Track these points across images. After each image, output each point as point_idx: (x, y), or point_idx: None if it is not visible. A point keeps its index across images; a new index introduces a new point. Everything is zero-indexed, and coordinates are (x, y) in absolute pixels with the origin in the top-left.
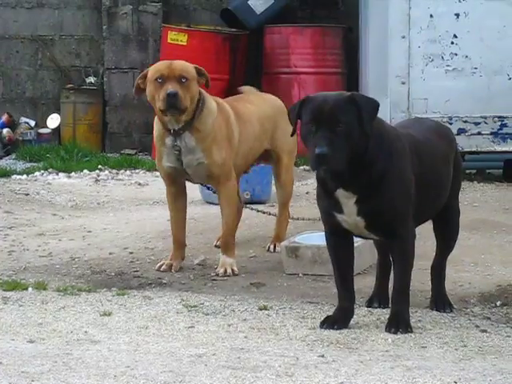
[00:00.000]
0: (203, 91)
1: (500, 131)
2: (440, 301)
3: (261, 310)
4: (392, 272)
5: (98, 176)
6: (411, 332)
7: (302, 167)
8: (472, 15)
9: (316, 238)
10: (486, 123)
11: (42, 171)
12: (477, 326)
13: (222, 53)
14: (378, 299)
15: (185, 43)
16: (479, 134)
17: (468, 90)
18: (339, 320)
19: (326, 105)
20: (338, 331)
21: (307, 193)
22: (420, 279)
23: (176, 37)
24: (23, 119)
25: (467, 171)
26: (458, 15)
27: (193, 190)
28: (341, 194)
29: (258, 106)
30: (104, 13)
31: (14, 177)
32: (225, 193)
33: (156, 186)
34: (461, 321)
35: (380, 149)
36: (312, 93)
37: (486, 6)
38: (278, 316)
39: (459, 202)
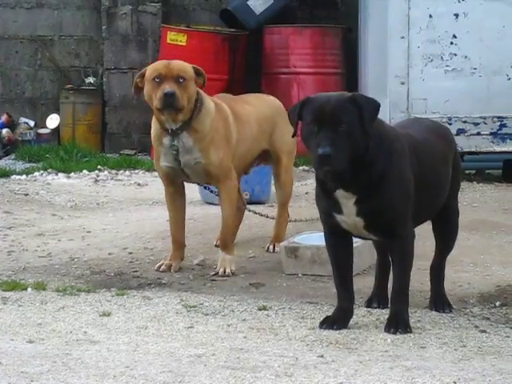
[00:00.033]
0: (201, 91)
1: (499, 131)
2: (439, 301)
3: (260, 310)
4: (391, 272)
5: (98, 176)
6: (410, 332)
7: (301, 167)
8: (471, 15)
9: (315, 238)
10: (485, 123)
11: (42, 171)
12: (476, 327)
13: (221, 53)
14: (377, 299)
15: (184, 43)
16: (478, 134)
17: (467, 90)
18: (338, 320)
19: (328, 105)
20: (338, 331)
21: (306, 193)
22: (419, 279)
23: (175, 37)
24: (22, 119)
25: (466, 171)
26: (457, 15)
27: (192, 191)
28: (340, 194)
29: (256, 106)
30: (103, 13)
31: (13, 177)
32: (225, 191)
33: (155, 186)
34: (460, 321)
35: (380, 149)
36: (311, 93)
37: (485, 6)
38: (278, 316)
39: (458, 203)
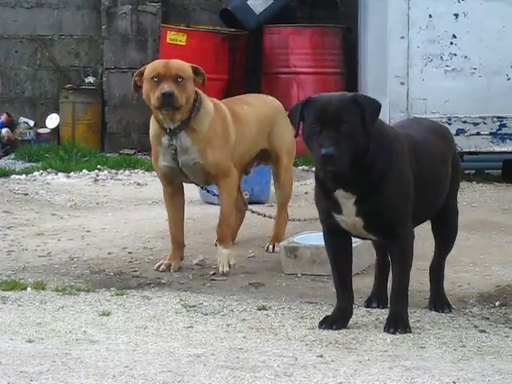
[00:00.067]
0: (200, 92)
1: (499, 131)
2: (439, 301)
3: (259, 310)
4: (391, 272)
5: (97, 176)
6: (410, 332)
7: (300, 167)
8: (471, 15)
9: (315, 238)
10: (485, 123)
11: (41, 171)
12: (475, 327)
13: (221, 53)
14: (376, 299)
15: (184, 43)
16: (478, 134)
17: (467, 90)
18: (338, 320)
19: (331, 105)
20: (337, 331)
21: (306, 193)
22: (419, 279)
23: (175, 37)
24: (22, 119)
25: (466, 171)
26: (457, 15)
27: (192, 190)
28: (340, 194)
29: (255, 106)
30: (103, 13)
31: (13, 177)
32: (225, 187)
33: (155, 185)
34: (459, 321)
35: (380, 149)
36: (311, 93)
37: (485, 6)
38: (277, 316)
39: (458, 203)
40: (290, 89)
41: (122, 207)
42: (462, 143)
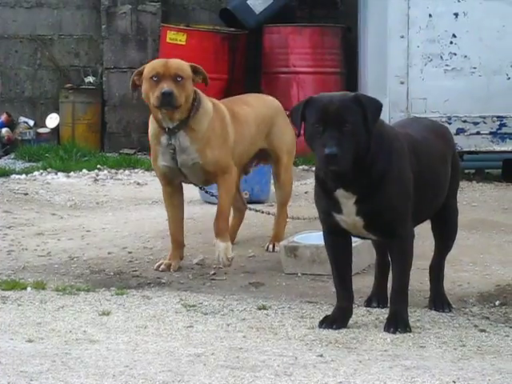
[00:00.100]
0: (199, 91)
1: (499, 131)
2: (439, 300)
3: (260, 309)
4: (391, 272)
5: (97, 176)
6: (410, 332)
7: (300, 167)
8: (471, 15)
9: (315, 237)
10: (484, 123)
11: (41, 171)
12: (475, 326)
13: (220, 52)
14: (376, 299)
15: (184, 43)
16: (478, 133)
17: (467, 89)
18: (338, 319)
19: (333, 105)
20: (337, 331)
21: (306, 192)
22: (419, 279)
23: (175, 36)
24: (22, 119)
25: (466, 171)
26: (456, 15)
27: (192, 190)
28: (340, 194)
29: (255, 106)
30: (103, 12)
31: (12, 176)
32: (223, 184)
33: (154, 185)
34: (459, 320)
35: (380, 148)
36: (311, 93)
37: (485, 5)
38: (277, 315)
39: (458, 202)
40: (289, 88)
41: (121, 207)
42: (462, 143)
